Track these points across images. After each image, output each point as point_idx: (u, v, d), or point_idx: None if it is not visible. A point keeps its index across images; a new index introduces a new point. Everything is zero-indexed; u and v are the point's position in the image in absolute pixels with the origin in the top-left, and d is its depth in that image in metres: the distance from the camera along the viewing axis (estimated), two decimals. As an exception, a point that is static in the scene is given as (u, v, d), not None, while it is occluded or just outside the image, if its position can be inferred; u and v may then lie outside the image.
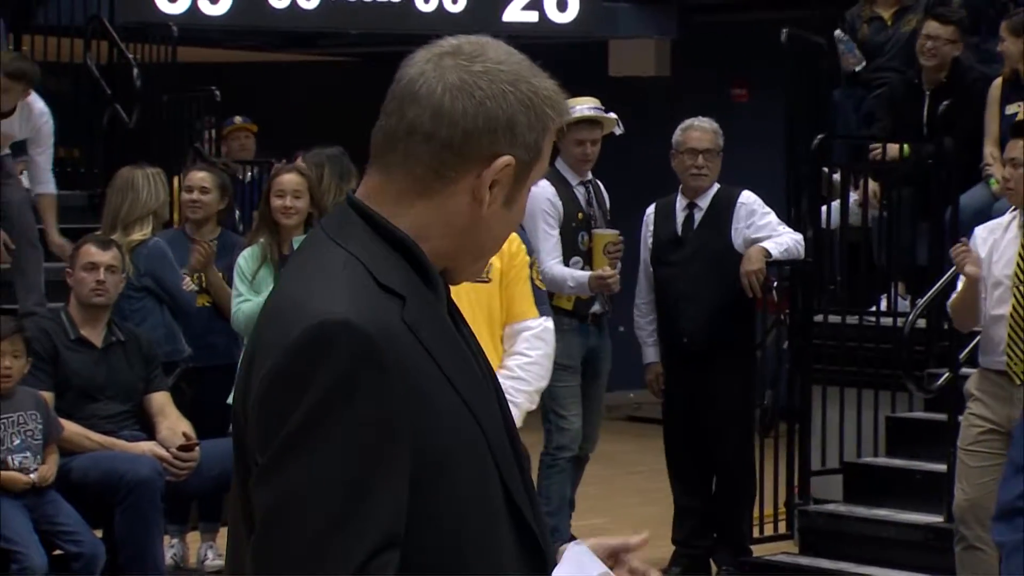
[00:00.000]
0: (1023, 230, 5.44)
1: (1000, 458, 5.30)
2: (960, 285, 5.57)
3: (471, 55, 1.79)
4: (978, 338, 5.71)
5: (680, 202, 6.56)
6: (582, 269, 6.33)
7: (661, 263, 6.57)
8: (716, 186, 6.53)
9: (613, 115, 6.57)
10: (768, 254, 6.37)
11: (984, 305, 5.46)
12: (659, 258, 6.58)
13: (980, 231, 5.60)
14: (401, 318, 1.71)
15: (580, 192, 6.49)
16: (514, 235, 4.29)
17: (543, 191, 6.27)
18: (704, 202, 6.51)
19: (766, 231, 6.45)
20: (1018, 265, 5.38)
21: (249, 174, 9.07)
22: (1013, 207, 5.56)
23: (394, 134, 1.79)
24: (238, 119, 9.51)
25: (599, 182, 6.68)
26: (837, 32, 8.18)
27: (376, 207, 1.78)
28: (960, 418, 5.67)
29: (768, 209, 6.56)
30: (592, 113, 6.46)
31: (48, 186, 7.63)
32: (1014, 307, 5.36)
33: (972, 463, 5.39)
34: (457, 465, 1.73)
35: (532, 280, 4.60)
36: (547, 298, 4.91)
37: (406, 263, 1.77)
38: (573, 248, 6.38)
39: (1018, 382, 5.31)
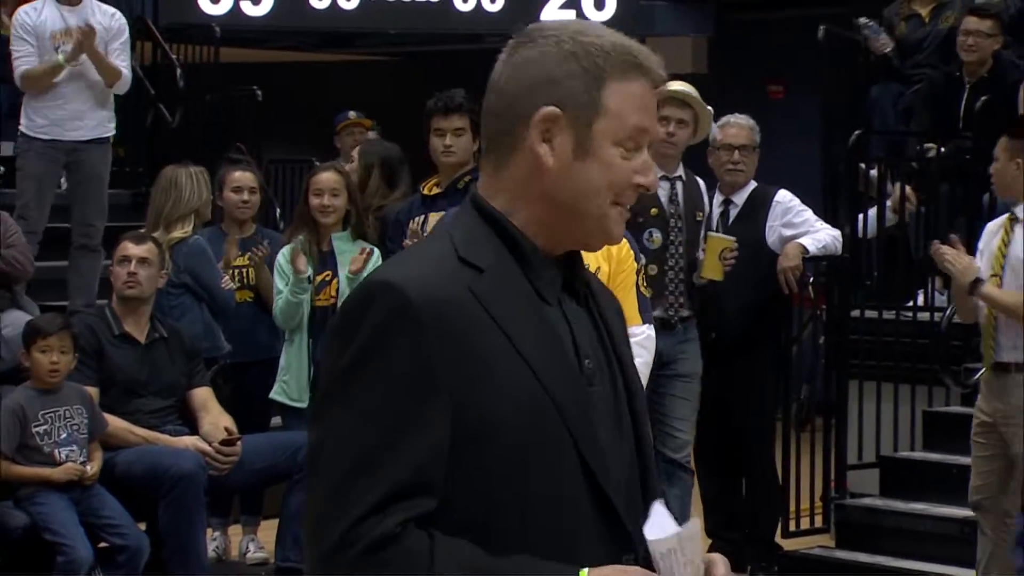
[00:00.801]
0: (1004, 226, 5.50)
1: (996, 449, 5.41)
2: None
3: (531, 34, 1.89)
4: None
5: (717, 198, 6.52)
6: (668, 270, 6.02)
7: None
8: (753, 184, 6.49)
9: (709, 108, 6.17)
10: (805, 250, 6.34)
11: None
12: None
13: (991, 226, 5.65)
14: (469, 288, 1.80)
15: (663, 186, 6.09)
16: (624, 241, 4.24)
17: None
18: (740, 199, 6.48)
19: (803, 227, 6.41)
20: (996, 260, 5.44)
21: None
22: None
23: (481, 121, 1.93)
24: (352, 114, 8.97)
25: (699, 180, 6.31)
26: (861, 19, 8.12)
27: (482, 191, 1.90)
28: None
29: (804, 207, 6.51)
30: (678, 87, 6.10)
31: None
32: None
33: (976, 453, 5.51)
34: (511, 430, 1.78)
35: (638, 287, 4.53)
36: (650, 306, 4.82)
37: (499, 239, 1.86)
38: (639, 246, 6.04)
39: (986, 370, 5.45)
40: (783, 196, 6.48)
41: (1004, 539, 5.41)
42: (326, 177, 6.13)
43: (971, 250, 5.71)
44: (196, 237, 6.48)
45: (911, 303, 7.22)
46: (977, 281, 5.40)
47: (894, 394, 6.83)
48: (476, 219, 1.87)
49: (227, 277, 6.51)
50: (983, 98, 7.23)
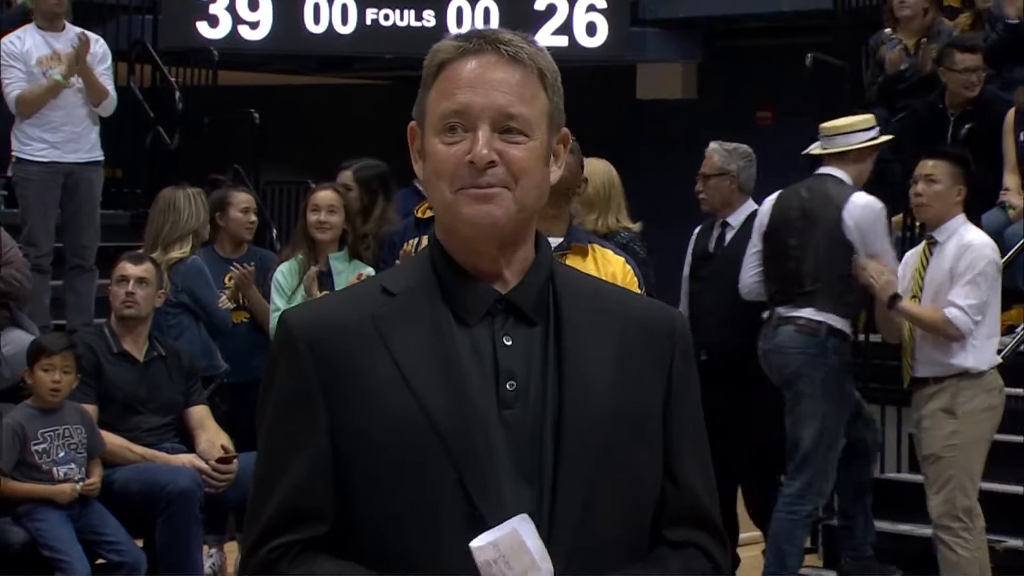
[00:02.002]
0: (923, 249, 5.73)
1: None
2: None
3: None
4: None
5: (718, 219, 6.55)
6: None
7: (694, 278, 6.55)
8: (752, 206, 6.48)
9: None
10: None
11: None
12: (693, 273, 6.57)
13: (910, 255, 5.89)
14: (371, 313, 1.80)
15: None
16: (627, 267, 4.21)
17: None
18: (736, 220, 6.48)
19: None
20: (915, 280, 5.67)
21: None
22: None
23: None
24: None
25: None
26: (886, 30, 8.11)
27: None
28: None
29: None
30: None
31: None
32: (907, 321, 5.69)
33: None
34: (383, 449, 1.76)
35: None
36: None
37: (431, 263, 1.85)
38: None
39: (904, 384, 5.70)
40: None
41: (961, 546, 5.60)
42: (324, 195, 6.16)
43: None
44: (194, 257, 6.48)
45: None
46: (895, 296, 5.59)
47: (881, 416, 6.83)
48: (430, 243, 1.88)
49: (224, 297, 6.51)
50: (967, 126, 7.26)
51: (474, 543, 1.69)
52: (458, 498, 1.74)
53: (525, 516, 1.72)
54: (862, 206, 5.94)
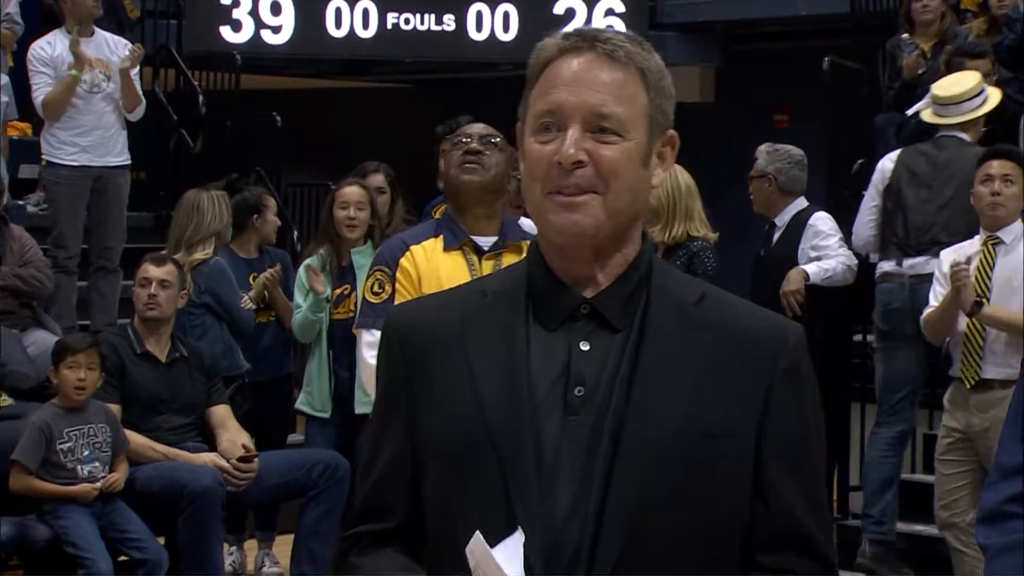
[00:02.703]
0: (984, 248, 5.62)
1: (968, 464, 5.54)
2: (941, 300, 5.63)
3: None
4: None
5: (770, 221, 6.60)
6: None
7: (752, 279, 6.56)
8: (800, 205, 6.48)
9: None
10: (807, 276, 6.33)
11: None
12: (752, 274, 6.58)
13: (945, 254, 5.73)
14: (462, 312, 1.79)
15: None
16: None
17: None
18: (782, 221, 6.48)
19: (825, 252, 6.40)
20: (979, 282, 5.54)
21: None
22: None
23: None
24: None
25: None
26: (903, 35, 8.10)
27: None
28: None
29: (835, 231, 6.45)
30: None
31: None
32: (969, 321, 5.55)
33: (945, 471, 5.64)
34: (444, 453, 1.76)
35: None
36: None
37: (527, 266, 1.82)
38: None
39: (968, 387, 5.54)
40: (816, 218, 6.47)
41: (974, 546, 5.44)
42: (351, 191, 6.12)
43: None
44: (217, 259, 6.50)
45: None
46: (979, 303, 5.49)
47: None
48: (530, 246, 1.83)
49: (247, 297, 6.52)
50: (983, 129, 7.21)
51: (469, 547, 1.69)
52: (502, 501, 1.70)
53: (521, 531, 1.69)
54: None
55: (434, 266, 3.99)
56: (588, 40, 1.77)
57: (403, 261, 4.04)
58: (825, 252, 6.39)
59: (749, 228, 7.59)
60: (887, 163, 6.40)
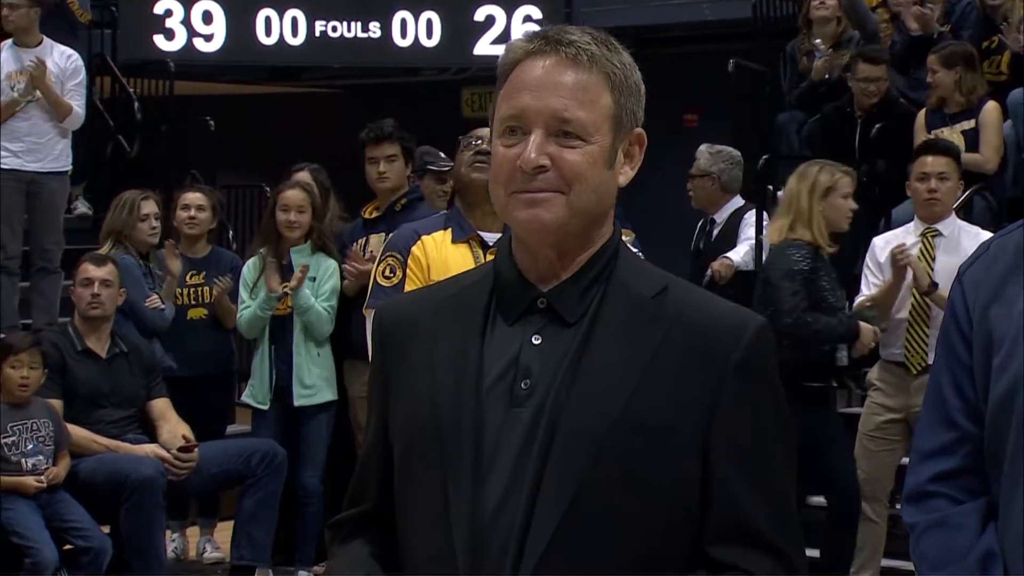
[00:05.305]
0: (922, 238, 5.62)
1: (896, 443, 5.62)
2: (882, 286, 5.64)
3: None
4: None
5: (707, 217, 6.67)
6: None
7: (690, 276, 6.62)
8: (739, 202, 6.57)
9: None
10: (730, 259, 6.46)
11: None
12: (690, 271, 6.64)
13: (878, 241, 5.75)
14: (435, 306, 1.78)
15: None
16: None
17: None
18: (721, 217, 6.58)
19: (743, 241, 6.55)
20: (924, 271, 5.54)
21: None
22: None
23: None
24: None
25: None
26: (816, 40, 8.21)
27: None
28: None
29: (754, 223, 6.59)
30: None
31: None
32: (913, 307, 5.58)
33: (873, 447, 5.66)
34: (402, 443, 1.76)
35: None
36: None
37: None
38: None
39: (915, 372, 5.55)
40: (748, 214, 6.61)
41: (885, 519, 5.63)
42: (293, 195, 6.15)
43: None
44: (123, 257, 6.36)
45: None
46: (934, 284, 5.49)
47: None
48: (501, 242, 1.82)
49: (153, 296, 6.35)
50: (877, 126, 7.35)
51: None
52: (439, 491, 1.67)
53: None
54: None
55: (443, 256, 4.05)
56: (552, 43, 1.72)
57: (415, 249, 4.08)
58: (745, 240, 6.55)
59: (664, 223, 7.68)
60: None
